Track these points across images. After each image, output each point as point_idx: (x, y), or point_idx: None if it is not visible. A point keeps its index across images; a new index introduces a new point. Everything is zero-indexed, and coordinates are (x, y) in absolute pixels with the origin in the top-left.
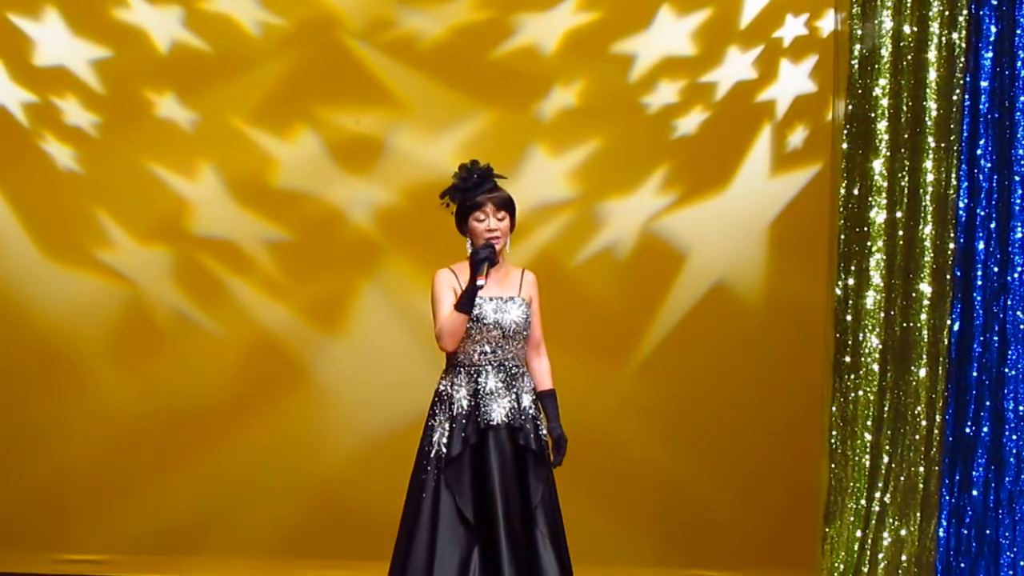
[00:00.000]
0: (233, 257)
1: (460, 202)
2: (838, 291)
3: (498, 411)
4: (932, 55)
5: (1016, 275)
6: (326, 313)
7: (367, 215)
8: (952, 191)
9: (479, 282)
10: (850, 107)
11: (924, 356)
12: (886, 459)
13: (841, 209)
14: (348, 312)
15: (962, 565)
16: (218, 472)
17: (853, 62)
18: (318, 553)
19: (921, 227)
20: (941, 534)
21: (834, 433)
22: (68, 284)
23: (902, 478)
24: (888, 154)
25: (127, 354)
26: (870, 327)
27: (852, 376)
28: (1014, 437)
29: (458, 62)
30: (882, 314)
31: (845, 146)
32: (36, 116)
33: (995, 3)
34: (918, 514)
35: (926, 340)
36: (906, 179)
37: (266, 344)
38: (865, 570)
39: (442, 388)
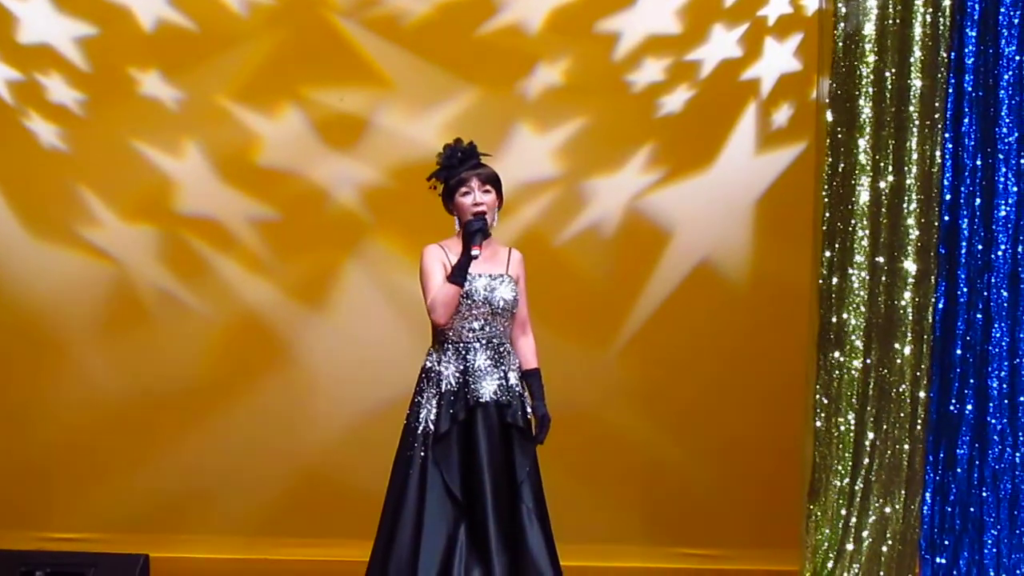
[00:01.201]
0: (218, 235)
1: (445, 180)
2: (823, 269)
3: (487, 388)
4: (917, 33)
5: (1000, 253)
6: (311, 291)
7: (352, 193)
8: (936, 169)
9: (474, 252)
10: (834, 85)
11: (908, 334)
12: (871, 436)
13: (826, 187)
14: (333, 290)
15: (946, 543)
16: (202, 450)
17: (838, 40)
18: (303, 531)
19: (906, 205)
20: (925, 512)
21: (818, 411)
22: (52, 262)
23: (887, 456)
24: (872, 132)
25: (111, 332)
26: (854, 305)
27: (837, 354)
28: (998, 415)
29: (443, 40)
30: (866, 292)
31: (829, 124)
32: (20, 94)
33: None
34: (903, 492)
35: (910, 318)
36: (890, 157)
37: (251, 322)
38: (849, 548)
39: (429, 365)
